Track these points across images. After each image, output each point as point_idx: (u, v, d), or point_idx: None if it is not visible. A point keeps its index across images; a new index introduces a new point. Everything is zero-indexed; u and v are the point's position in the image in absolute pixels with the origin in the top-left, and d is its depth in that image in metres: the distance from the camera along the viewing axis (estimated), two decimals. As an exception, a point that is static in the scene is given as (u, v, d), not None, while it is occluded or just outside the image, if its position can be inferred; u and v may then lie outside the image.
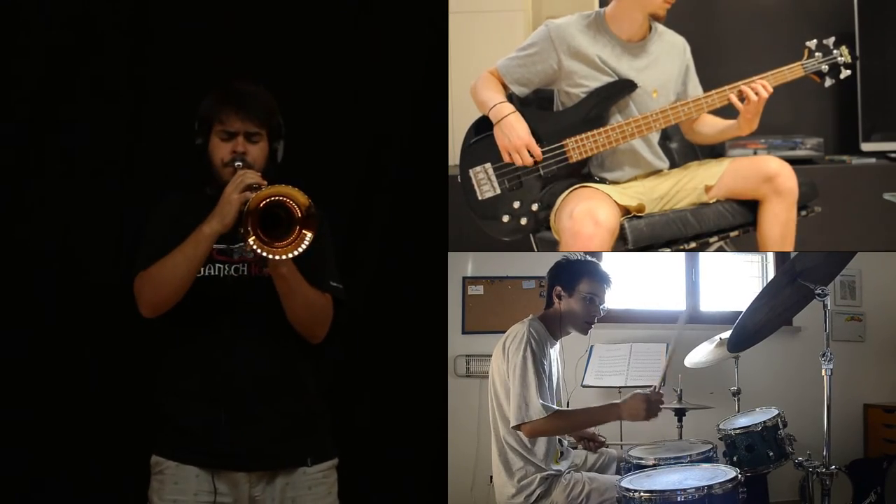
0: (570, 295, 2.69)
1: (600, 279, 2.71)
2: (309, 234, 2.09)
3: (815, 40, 2.87)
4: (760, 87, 2.82)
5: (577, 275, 2.70)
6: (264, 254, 2.07)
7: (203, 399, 2.18)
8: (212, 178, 2.26)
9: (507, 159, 2.91)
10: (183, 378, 2.22)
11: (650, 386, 2.63)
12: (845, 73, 2.88)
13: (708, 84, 3.00)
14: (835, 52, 2.86)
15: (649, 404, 2.53)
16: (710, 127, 3.06)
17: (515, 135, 2.87)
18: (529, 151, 2.88)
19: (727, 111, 2.95)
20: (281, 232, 2.09)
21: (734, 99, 2.85)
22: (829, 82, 2.89)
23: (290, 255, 2.08)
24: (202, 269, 2.18)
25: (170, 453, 2.21)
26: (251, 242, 2.06)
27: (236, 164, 2.21)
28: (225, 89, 2.26)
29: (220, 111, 2.22)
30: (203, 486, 2.18)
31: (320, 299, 2.25)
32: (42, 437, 2.86)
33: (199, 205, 2.23)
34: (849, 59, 2.87)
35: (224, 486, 2.19)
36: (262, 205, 2.08)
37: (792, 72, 2.87)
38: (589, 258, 2.76)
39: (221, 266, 2.21)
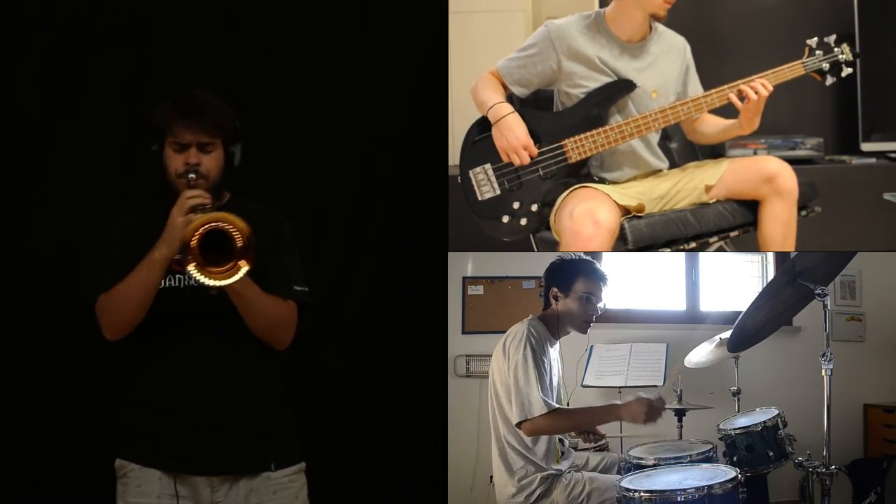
0: (566, 295, 2.69)
1: (596, 278, 2.71)
2: (244, 267, 2.07)
3: (815, 38, 2.86)
4: (760, 86, 2.82)
5: (572, 274, 2.70)
6: (201, 279, 2.07)
7: (166, 405, 2.18)
8: (168, 186, 2.24)
9: (504, 159, 2.91)
10: (146, 384, 2.21)
11: (654, 386, 2.62)
12: (846, 70, 2.87)
13: (708, 83, 3.00)
14: (836, 49, 2.85)
15: (650, 409, 2.52)
16: (712, 126, 3.06)
17: (513, 135, 2.87)
18: (528, 152, 2.87)
19: (727, 110, 2.95)
20: (223, 256, 2.08)
21: (734, 98, 2.84)
22: (829, 80, 2.88)
23: (223, 284, 2.07)
24: (164, 281, 2.18)
25: (133, 456, 2.20)
26: (189, 269, 2.06)
27: (189, 175, 2.18)
28: (177, 98, 2.23)
29: (171, 122, 2.20)
30: (166, 490, 2.17)
31: (281, 308, 2.24)
32: (39, 440, 2.87)
33: (161, 212, 2.21)
34: (850, 57, 2.86)
35: (186, 490, 2.18)
36: (200, 231, 2.07)
37: (792, 70, 2.86)
38: (584, 257, 2.76)
39: (182, 276, 2.19)
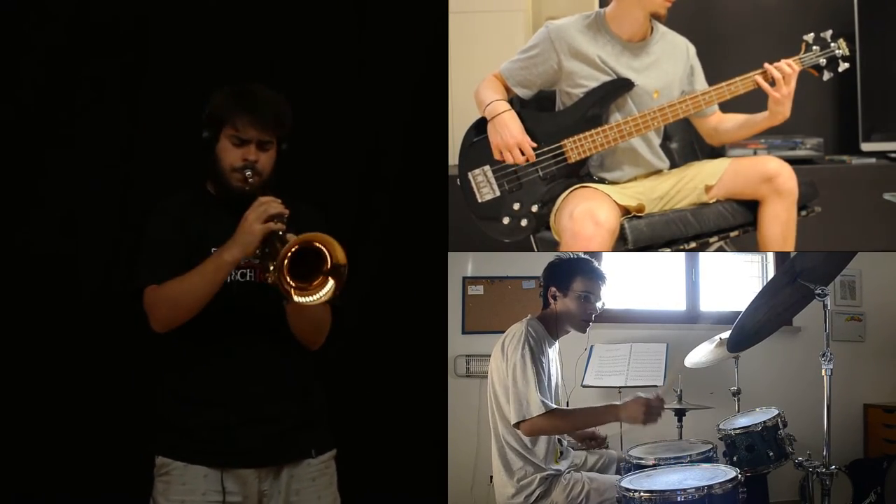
0: (564, 294, 2.69)
1: (595, 276, 2.71)
2: (331, 289, 2.04)
3: (812, 34, 2.85)
4: (786, 67, 2.79)
5: (570, 274, 2.71)
6: (285, 293, 2.03)
7: (210, 401, 2.19)
8: (216, 176, 2.23)
9: (497, 157, 2.90)
10: (189, 381, 2.22)
11: (653, 386, 2.62)
12: (843, 66, 2.86)
13: (708, 82, 3.00)
14: (832, 45, 2.85)
15: (649, 409, 2.52)
16: (733, 122, 3.03)
17: (508, 133, 2.87)
18: (522, 151, 2.87)
19: (728, 108, 2.95)
20: (303, 270, 2.04)
21: (762, 82, 2.81)
22: (827, 76, 2.87)
23: (308, 301, 2.05)
24: None
25: (176, 454, 2.21)
26: (277, 279, 2.01)
27: (247, 172, 2.18)
28: (241, 92, 2.21)
29: (234, 115, 2.17)
30: (212, 486, 2.18)
31: (323, 312, 2.25)
32: (39, 440, 2.87)
33: (203, 204, 2.22)
34: (847, 52, 2.85)
35: (233, 485, 2.20)
36: (295, 248, 2.02)
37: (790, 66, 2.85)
38: (582, 256, 2.76)
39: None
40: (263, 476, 2.22)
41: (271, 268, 2.02)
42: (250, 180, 2.17)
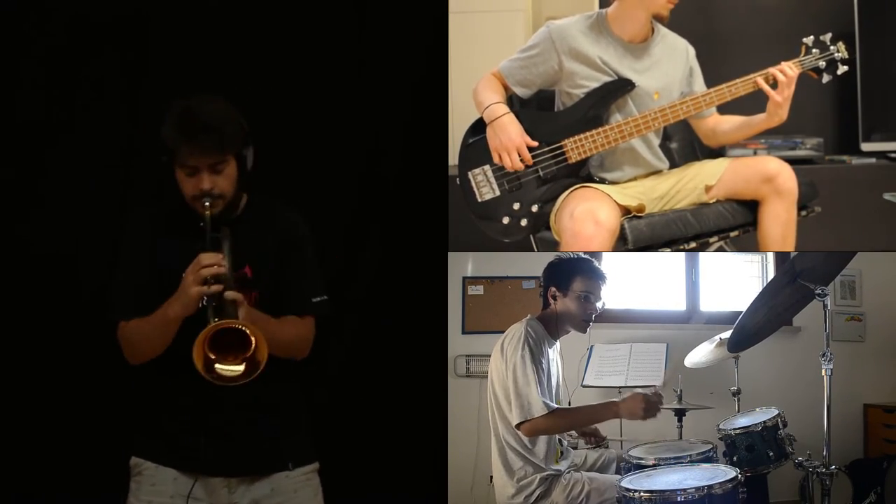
0: (564, 294, 2.69)
1: (595, 276, 2.71)
2: (241, 370, 2.05)
3: (811, 37, 2.86)
4: (788, 69, 2.80)
5: (570, 274, 2.70)
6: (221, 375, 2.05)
7: (183, 405, 2.19)
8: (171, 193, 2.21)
9: (496, 160, 2.90)
10: (163, 385, 2.22)
11: (651, 386, 2.63)
12: (842, 68, 2.87)
13: (708, 84, 3.00)
14: (832, 48, 2.85)
15: (648, 404, 2.53)
16: (731, 123, 3.03)
17: (507, 136, 2.87)
18: (520, 154, 2.87)
19: (729, 109, 2.94)
20: (236, 341, 2.05)
21: (762, 83, 2.82)
22: (826, 78, 2.88)
23: (221, 374, 2.05)
24: None
25: (148, 455, 2.22)
26: (200, 368, 2.03)
27: (204, 202, 2.14)
28: (182, 116, 2.14)
29: (178, 144, 2.12)
30: (180, 490, 2.19)
31: (299, 329, 2.25)
32: (38, 440, 2.88)
33: (176, 219, 2.21)
34: (846, 55, 2.86)
35: (201, 492, 2.20)
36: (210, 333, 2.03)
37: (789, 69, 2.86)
38: (582, 256, 2.75)
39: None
40: (234, 486, 2.21)
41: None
42: (210, 209, 2.14)
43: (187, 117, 2.14)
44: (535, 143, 2.88)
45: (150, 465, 2.21)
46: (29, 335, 2.89)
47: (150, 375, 2.24)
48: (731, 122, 3.04)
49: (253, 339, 2.03)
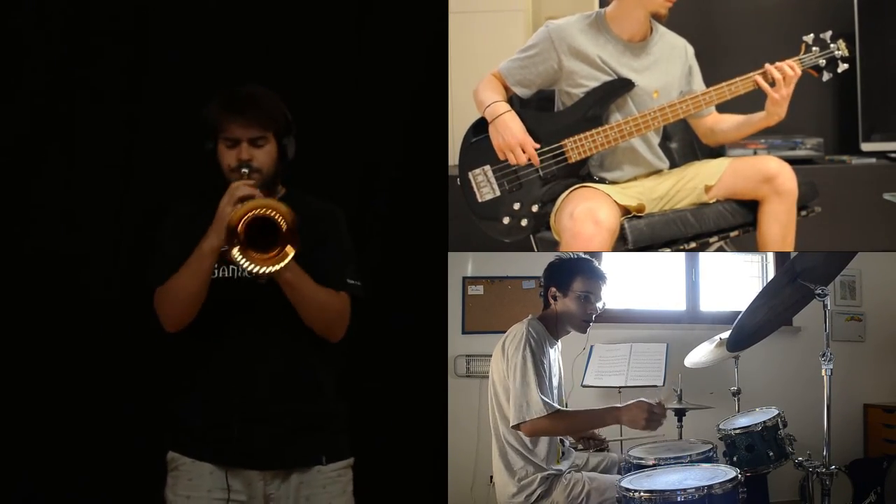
0: (565, 295, 2.69)
1: (595, 277, 2.71)
2: (291, 252, 2.08)
3: (811, 35, 2.85)
4: (787, 68, 2.80)
5: (570, 274, 2.70)
6: (248, 265, 2.07)
7: (218, 399, 2.20)
8: (218, 186, 2.24)
9: (501, 158, 2.90)
10: (199, 378, 2.23)
11: (653, 386, 2.61)
12: (843, 66, 2.86)
13: (707, 83, 3.00)
14: (832, 45, 2.85)
15: (651, 415, 2.50)
16: (730, 122, 3.03)
17: (510, 133, 2.87)
18: (524, 150, 2.87)
19: (731, 108, 2.94)
20: (269, 241, 2.09)
21: (762, 83, 2.81)
22: (826, 77, 2.87)
23: (270, 270, 2.08)
24: (217, 271, 2.20)
25: (185, 450, 2.23)
26: (235, 254, 2.06)
27: (243, 170, 2.20)
28: (226, 95, 2.25)
29: (221, 118, 2.21)
30: (217, 484, 2.19)
31: (334, 300, 2.25)
32: (56, 438, 2.87)
33: (209, 212, 2.22)
34: (846, 53, 2.85)
35: (238, 484, 2.20)
36: (246, 218, 2.07)
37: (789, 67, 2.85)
38: (583, 256, 2.75)
39: (235, 268, 2.20)
40: (269, 479, 2.22)
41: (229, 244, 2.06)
42: (247, 178, 2.19)
43: (232, 94, 2.25)
44: (537, 145, 2.89)
45: (187, 459, 2.22)
46: (29, 335, 2.89)
47: (183, 365, 2.25)
48: (730, 120, 3.04)
49: (279, 217, 2.05)
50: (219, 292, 2.19)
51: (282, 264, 2.08)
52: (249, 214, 2.07)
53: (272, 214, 2.08)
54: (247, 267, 2.07)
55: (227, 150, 2.22)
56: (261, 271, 2.08)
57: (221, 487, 2.18)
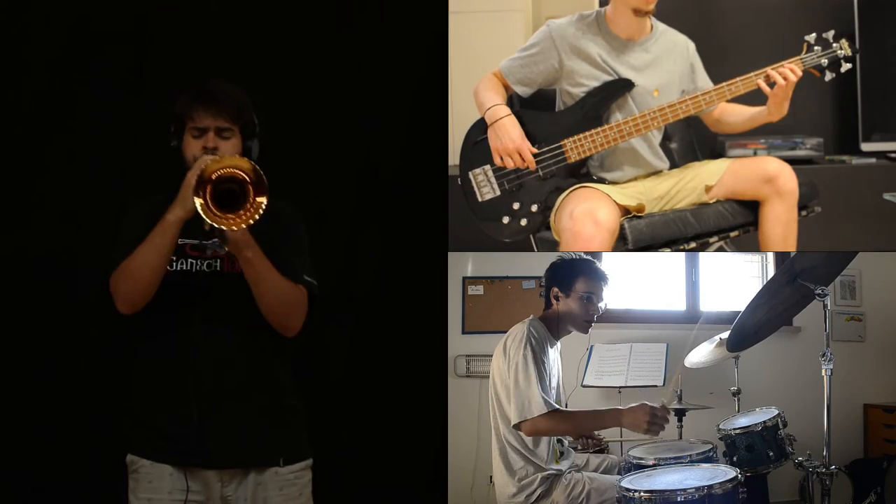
0: (567, 295, 2.69)
1: (597, 277, 2.71)
2: (263, 200, 2.06)
3: (813, 34, 2.85)
4: (789, 72, 2.80)
5: (573, 274, 2.70)
6: (218, 226, 2.04)
7: (174, 397, 2.17)
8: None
9: (497, 162, 2.91)
10: (154, 376, 2.20)
11: (654, 386, 2.60)
12: (846, 66, 2.85)
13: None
14: (834, 45, 2.85)
15: (653, 419, 2.48)
16: (737, 115, 3.04)
17: (508, 138, 2.87)
18: (521, 156, 2.87)
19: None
20: (237, 205, 2.07)
21: (763, 85, 2.81)
22: (828, 76, 2.87)
23: (247, 224, 2.06)
24: (173, 264, 2.18)
25: (144, 452, 2.21)
26: (203, 215, 2.03)
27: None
28: (196, 87, 2.26)
29: (190, 108, 2.22)
30: (176, 485, 2.18)
31: (292, 289, 2.22)
32: (17, 439, 2.88)
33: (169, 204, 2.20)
34: (849, 53, 2.85)
35: (196, 485, 2.18)
36: (212, 177, 2.05)
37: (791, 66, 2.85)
38: (585, 257, 2.75)
39: (193, 261, 2.19)
40: (227, 479, 2.20)
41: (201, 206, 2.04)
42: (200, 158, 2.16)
43: (201, 87, 2.26)
44: (535, 150, 2.89)
45: (146, 462, 2.20)
46: (28, 335, 2.89)
47: (138, 362, 2.23)
48: (738, 113, 3.04)
49: (239, 172, 2.05)
50: (175, 286, 2.17)
51: (257, 216, 2.05)
52: (225, 170, 2.06)
53: (236, 173, 2.06)
54: (210, 222, 2.04)
55: (194, 141, 2.22)
56: (222, 227, 2.05)
57: (181, 488, 2.17)
